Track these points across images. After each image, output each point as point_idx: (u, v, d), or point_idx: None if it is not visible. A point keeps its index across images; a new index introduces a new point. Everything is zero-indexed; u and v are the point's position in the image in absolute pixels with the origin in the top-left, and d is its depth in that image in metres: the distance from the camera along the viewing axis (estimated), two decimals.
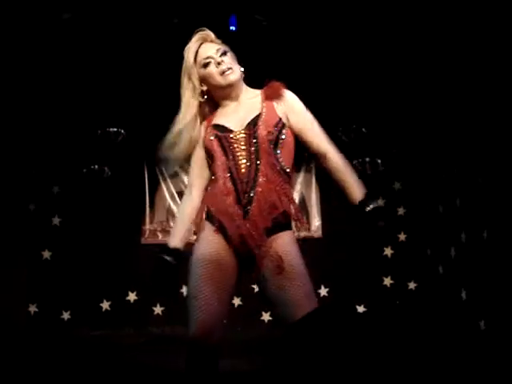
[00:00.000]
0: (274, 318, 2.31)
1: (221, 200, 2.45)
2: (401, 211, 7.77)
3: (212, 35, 2.63)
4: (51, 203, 7.51)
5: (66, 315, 7.34)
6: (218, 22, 2.69)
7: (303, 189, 7.58)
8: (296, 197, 7.43)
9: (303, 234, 7.72)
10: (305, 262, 2.49)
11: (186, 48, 2.61)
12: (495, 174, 5.37)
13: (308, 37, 5.65)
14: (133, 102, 6.61)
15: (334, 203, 2.52)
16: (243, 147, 2.47)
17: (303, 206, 7.54)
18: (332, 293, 7.47)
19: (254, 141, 2.47)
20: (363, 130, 7.09)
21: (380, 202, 2.60)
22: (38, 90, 6.30)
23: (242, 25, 5.28)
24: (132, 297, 7.47)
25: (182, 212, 2.64)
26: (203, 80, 2.58)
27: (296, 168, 2.61)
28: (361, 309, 7.51)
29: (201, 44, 2.59)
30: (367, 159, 7.41)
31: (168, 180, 7.72)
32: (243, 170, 2.45)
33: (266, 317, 7.27)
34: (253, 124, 2.48)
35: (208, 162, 2.57)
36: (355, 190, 2.61)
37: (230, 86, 2.56)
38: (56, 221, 7.53)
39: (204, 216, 2.53)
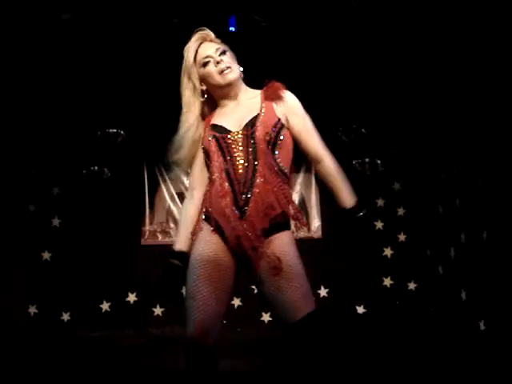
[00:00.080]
0: (274, 318, 2.31)
1: (218, 201, 2.45)
2: (400, 211, 7.78)
3: (212, 35, 2.63)
4: (51, 204, 7.51)
5: (65, 316, 7.34)
6: (217, 23, 2.68)
7: (303, 190, 7.58)
8: (296, 197, 7.43)
9: (303, 234, 7.77)
10: (303, 262, 2.49)
11: (185, 48, 2.61)
12: (495, 174, 5.37)
13: (307, 37, 5.65)
14: (132, 103, 6.61)
15: (334, 204, 2.52)
16: (241, 148, 2.47)
17: (303, 206, 7.54)
18: (332, 293, 7.48)
19: (252, 141, 2.46)
20: (363, 130, 7.09)
21: (365, 210, 2.63)
22: (38, 91, 6.30)
23: (242, 25, 5.28)
24: (132, 298, 7.47)
25: (185, 215, 2.63)
26: (202, 79, 2.58)
27: (296, 169, 2.62)
28: (361, 309, 7.51)
29: (200, 43, 2.60)
30: (367, 160, 7.41)
31: (168, 181, 7.73)
32: (240, 171, 2.45)
33: (266, 317, 7.27)
34: (251, 124, 2.48)
35: (206, 163, 2.56)
36: (347, 196, 2.64)
37: (229, 85, 2.55)
38: (56, 222, 7.53)
39: (202, 216, 2.53)
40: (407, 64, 5.88)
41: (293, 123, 2.55)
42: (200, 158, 2.59)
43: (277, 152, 2.50)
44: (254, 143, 2.46)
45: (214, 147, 2.49)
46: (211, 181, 2.51)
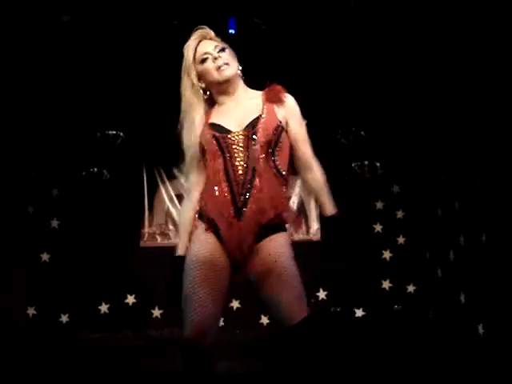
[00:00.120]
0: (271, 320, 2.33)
1: (215, 200, 2.44)
2: (399, 214, 7.78)
3: (211, 33, 2.63)
4: (50, 206, 7.51)
5: (64, 318, 7.34)
6: (217, 25, 2.69)
7: (302, 192, 7.58)
8: (295, 200, 7.44)
9: (302, 237, 7.76)
10: (297, 264, 2.50)
11: (185, 46, 2.61)
12: (494, 177, 5.37)
13: (307, 40, 5.66)
14: (132, 105, 6.61)
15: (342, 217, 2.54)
16: (241, 148, 2.46)
17: (302, 209, 7.55)
18: (331, 296, 7.48)
19: (253, 143, 2.45)
20: (362, 133, 7.09)
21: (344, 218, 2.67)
22: (38, 93, 6.30)
23: (241, 28, 5.29)
24: (131, 300, 7.47)
25: (184, 218, 2.61)
26: (201, 76, 2.57)
27: (293, 171, 2.63)
28: (359, 312, 7.51)
29: (200, 41, 2.59)
30: (366, 162, 7.41)
31: (167, 183, 7.73)
32: (240, 172, 2.44)
33: (264, 320, 7.27)
34: (252, 126, 2.47)
35: (204, 162, 2.55)
36: (330, 205, 2.62)
37: (226, 81, 2.54)
38: (55, 223, 7.53)
39: (197, 215, 2.52)
40: (406, 67, 5.89)
41: (291, 128, 2.56)
42: (197, 158, 2.55)
43: (276, 154, 2.50)
44: (254, 145, 2.45)
45: (214, 147, 2.47)
46: (208, 180, 2.50)
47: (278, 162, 2.50)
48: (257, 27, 5.48)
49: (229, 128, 2.48)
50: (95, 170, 7.38)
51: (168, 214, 7.70)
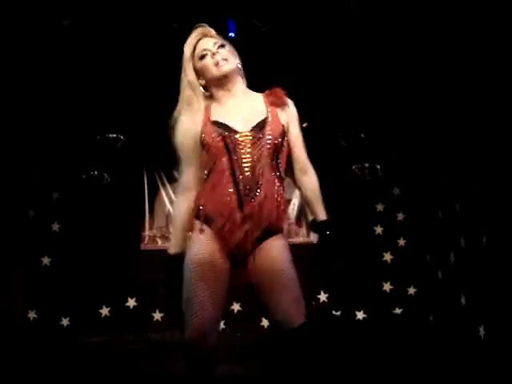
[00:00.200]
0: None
1: (220, 201, 2.41)
2: (400, 217, 7.78)
3: (212, 31, 2.63)
4: (51, 209, 7.51)
5: (65, 321, 7.34)
6: (216, 28, 2.69)
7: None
8: (296, 202, 7.43)
9: (302, 239, 7.76)
10: (298, 267, 2.51)
11: (186, 43, 2.60)
12: (494, 179, 5.38)
13: (307, 42, 5.66)
14: (132, 108, 6.61)
15: (334, 210, 2.53)
16: (249, 149, 2.43)
17: (303, 211, 7.55)
18: (332, 298, 7.48)
19: (261, 145, 2.45)
20: (362, 135, 7.10)
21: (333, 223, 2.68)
22: (38, 96, 6.31)
23: (241, 31, 5.29)
24: (131, 303, 7.47)
25: (180, 216, 2.57)
26: (201, 73, 2.56)
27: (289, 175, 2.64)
28: (360, 314, 7.51)
29: (200, 39, 2.59)
30: (366, 165, 7.41)
31: (167, 186, 7.73)
32: (247, 173, 2.42)
33: (265, 322, 7.26)
34: (259, 127, 2.47)
35: (203, 160, 2.51)
36: (322, 210, 2.63)
37: (225, 76, 2.52)
38: (55, 227, 7.53)
39: (195, 215, 2.49)
40: (407, 69, 5.89)
41: (291, 132, 2.58)
42: (197, 155, 2.51)
43: (279, 157, 2.51)
44: (262, 147, 2.45)
45: (220, 145, 2.44)
46: (211, 179, 2.46)
47: (280, 165, 2.51)
48: (256, 30, 5.49)
49: (235, 128, 2.46)
50: (96, 173, 7.38)
51: (169, 217, 7.69)
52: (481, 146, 5.64)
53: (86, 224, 7.46)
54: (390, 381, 4.28)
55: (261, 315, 7.25)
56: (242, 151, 2.44)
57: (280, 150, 2.51)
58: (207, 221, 2.44)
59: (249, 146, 2.44)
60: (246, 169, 2.43)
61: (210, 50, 2.54)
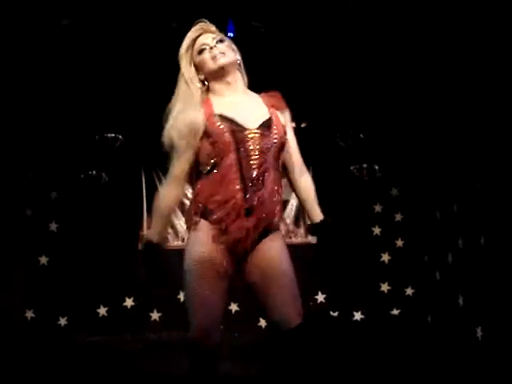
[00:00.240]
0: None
1: (227, 198, 2.40)
2: (398, 217, 7.78)
3: (213, 27, 2.64)
4: (48, 209, 7.49)
5: (62, 321, 7.33)
6: (215, 27, 2.71)
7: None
8: (294, 203, 7.43)
9: (300, 240, 7.76)
10: (295, 267, 2.52)
11: (185, 37, 2.61)
12: (492, 179, 5.38)
13: (306, 43, 5.67)
14: (131, 108, 6.61)
15: (332, 210, 2.54)
16: (257, 147, 2.44)
17: (301, 211, 7.54)
18: (329, 299, 7.48)
19: (267, 143, 2.46)
20: (361, 135, 7.10)
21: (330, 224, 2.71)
22: (36, 96, 6.30)
23: (240, 31, 5.29)
24: (129, 302, 7.46)
25: (166, 205, 2.57)
26: (200, 68, 2.57)
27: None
28: (358, 315, 7.51)
29: (200, 34, 2.60)
30: (365, 165, 7.41)
31: None
32: (254, 170, 2.43)
33: (263, 323, 7.25)
34: (266, 126, 2.48)
35: (204, 154, 2.48)
36: (318, 210, 2.67)
37: (222, 69, 2.53)
38: (53, 226, 7.51)
39: (195, 212, 2.48)
40: (405, 70, 5.90)
41: (288, 135, 2.61)
42: (194, 146, 2.48)
43: (280, 158, 2.55)
44: (270, 145, 2.46)
45: (228, 140, 2.43)
46: (214, 174, 2.45)
47: (280, 166, 2.54)
48: (255, 30, 5.49)
49: (243, 124, 2.46)
50: (94, 172, 7.37)
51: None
52: (479, 147, 5.64)
53: (84, 223, 7.44)
54: (388, 381, 4.29)
55: (258, 315, 7.25)
56: (250, 148, 2.44)
57: (282, 150, 2.53)
58: (210, 218, 2.43)
59: (257, 143, 2.45)
60: (254, 166, 2.43)
61: (208, 44, 2.56)
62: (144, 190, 7.71)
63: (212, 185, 2.44)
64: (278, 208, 2.49)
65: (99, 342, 6.72)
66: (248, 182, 2.41)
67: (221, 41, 2.58)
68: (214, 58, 2.52)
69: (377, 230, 7.74)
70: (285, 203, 6.92)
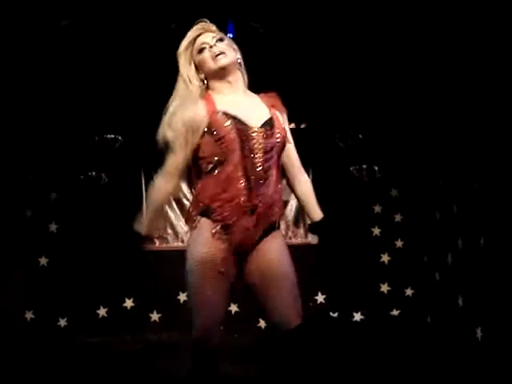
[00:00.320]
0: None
1: (231, 195, 2.40)
2: (398, 218, 7.78)
3: (213, 27, 2.64)
4: (48, 210, 7.49)
5: (62, 322, 7.33)
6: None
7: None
8: (293, 204, 7.43)
9: (300, 240, 7.75)
10: (296, 268, 2.52)
11: (185, 36, 2.62)
12: (492, 180, 5.38)
13: (305, 44, 5.67)
14: (130, 109, 6.61)
15: (331, 211, 2.54)
16: (261, 145, 2.44)
17: (300, 212, 7.54)
18: (329, 299, 7.48)
19: (271, 142, 2.47)
20: (360, 136, 7.10)
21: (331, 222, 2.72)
22: (36, 97, 6.30)
23: (239, 32, 5.29)
24: (129, 303, 7.46)
25: (161, 197, 2.58)
26: (200, 67, 2.56)
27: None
28: (358, 316, 7.51)
29: (200, 33, 2.59)
30: (364, 166, 7.41)
31: None
32: (259, 169, 2.43)
33: (262, 323, 7.25)
34: (269, 125, 2.49)
35: (207, 151, 2.46)
36: (318, 210, 2.67)
37: (222, 69, 2.52)
38: (53, 227, 7.51)
39: (198, 210, 2.46)
40: (404, 71, 5.90)
41: (287, 136, 2.62)
42: (194, 143, 2.47)
43: (281, 157, 2.55)
44: (273, 144, 2.47)
45: (233, 137, 2.42)
46: (219, 172, 2.43)
47: (280, 165, 2.54)
48: (255, 31, 5.50)
49: (247, 122, 2.45)
50: (93, 173, 7.36)
51: (166, 218, 7.69)
52: (478, 147, 5.65)
53: (84, 224, 7.44)
54: (388, 382, 4.29)
55: (258, 316, 7.25)
56: (255, 146, 2.44)
57: (283, 150, 2.54)
58: (213, 217, 2.42)
59: (260, 141, 2.45)
60: (258, 164, 2.43)
61: (208, 43, 2.55)
62: (144, 191, 7.69)
63: (215, 183, 2.42)
64: (279, 207, 2.50)
65: (99, 343, 6.72)
66: (252, 181, 2.41)
67: (221, 40, 2.57)
68: (214, 57, 2.52)
69: (376, 231, 7.74)
70: (284, 204, 6.92)
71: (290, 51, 5.76)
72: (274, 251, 2.47)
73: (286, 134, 2.55)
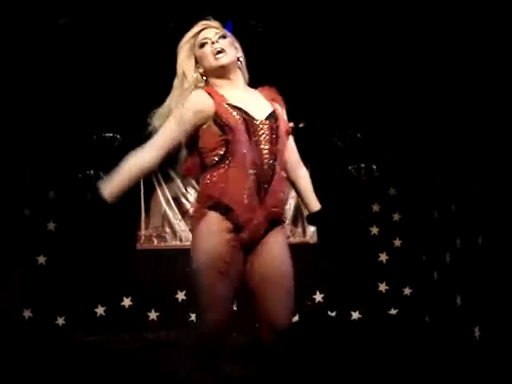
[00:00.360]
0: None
1: (239, 188, 2.38)
2: (396, 217, 7.79)
3: (217, 24, 2.65)
4: (46, 208, 7.49)
5: (60, 320, 7.33)
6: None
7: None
8: (292, 202, 7.44)
9: (298, 239, 7.75)
10: (294, 266, 2.52)
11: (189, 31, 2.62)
12: (490, 179, 5.39)
13: (303, 42, 5.67)
14: (128, 108, 6.60)
15: (329, 209, 2.55)
16: (267, 137, 2.45)
17: (299, 211, 7.55)
18: (327, 298, 7.48)
19: (276, 134, 2.48)
20: (358, 135, 7.11)
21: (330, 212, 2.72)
22: (34, 96, 6.30)
23: (238, 30, 5.28)
24: (127, 302, 7.46)
25: (136, 166, 2.59)
26: (200, 61, 2.57)
27: None
28: (356, 315, 7.51)
29: (204, 29, 2.60)
30: (362, 165, 7.42)
31: (163, 185, 7.72)
32: (266, 161, 2.43)
33: None
34: (273, 118, 2.49)
35: (212, 142, 2.45)
36: (316, 200, 2.68)
37: (222, 67, 2.53)
38: (51, 226, 7.51)
39: (206, 204, 2.43)
40: (403, 70, 5.90)
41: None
42: (191, 123, 2.45)
43: (285, 151, 2.56)
44: (278, 136, 2.48)
45: (242, 128, 2.41)
46: (224, 164, 2.42)
47: (284, 158, 2.55)
48: (253, 30, 5.49)
49: (252, 114, 2.46)
50: (92, 172, 7.36)
51: (165, 217, 7.69)
52: (476, 147, 5.65)
53: (82, 223, 7.43)
54: (386, 381, 4.29)
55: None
56: (262, 137, 2.44)
57: (287, 142, 2.56)
58: (220, 210, 2.39)
59: (267, 133, 2.45)
60: (266, 156, 2.43)
61: (210, 38, 2.56)
62: (142, 190, 7.71)
63: (223, 176, 2.41)
64: (284, 199, 2.51)
65: (97, 342, 6.71)
66: (259, 173, 2.41)
67: (223, 37, 2.58)
68: (214, 54, 2.52)
69: (375, 230, 7.75)
70: None
71: (289, 50, 5.76)
72: (276, 249, 2.47)
73: (288, 126, 2.56)
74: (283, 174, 2.53)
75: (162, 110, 2.53)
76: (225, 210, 2.38)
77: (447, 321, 6.48)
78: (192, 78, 2.54)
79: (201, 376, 2.42)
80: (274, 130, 2.47)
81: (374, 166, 7.45)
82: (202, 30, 2.59)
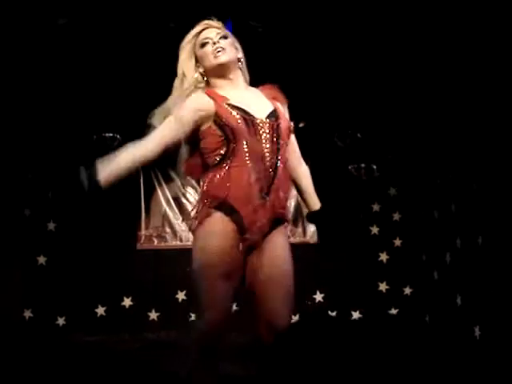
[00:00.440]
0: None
1: (241, 187, 2.39)
2: (396, 217, 7.79)
3: (219, 24, 2.65)
4: (47, 208, 7.49)
5: (61, 320, 7.32)
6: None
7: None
8: (292, 202, 7.44)
9: (299, 239, 7.75)
10: (294, 266, 2.52)
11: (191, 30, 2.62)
12: (490, 179, 5.39)
13: (303, 42, 5.67)
14: (129, 108, 6.60)
15: (329, 209, 2.56)
16: (268, 136, 2.45)
17: (299, 211, 7.54)
18: (327, 298, 7.48)
19: (277, 133, 2.47)
20: (358, 135, 7.11)
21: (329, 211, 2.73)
22: (34, 96, 6.30)
23: (238, 31, 5.28)
24: (127, 302, 7.46)
25: (133, 155, 2.60)
26: (200, 61, 2.57)
27: None
28: (356, 314, 7.51)
29: (206, 28, 2.61)
30: (362, 165, 7.42)
31: (164, 185, 7.72)
32: (267, 159, 2.43)
33: None
34: (274, 117, 2.49)
35: (212, 142, 2.46)
36: (316, 199, 2.68)
37: (221, 66, 2.53)
38: (51, 226, 7.51)
39: (209, 204, 2.43)
40: (403, 70, 5.90)
41: None
42: (192, 122, 2.46)
43: (286, 149, 2.55)
44: (279, 135, 2.48)
45: (242, 128, 2.42)
46: (225, 164, 2.42)
47: (286, 156, 2.54)
48: (253, 30, 5.49)
49: (252, 113, 2.46)
50: None
51: (165, 217, 7.69)
52: (476, 147, 5.65)
53: (82, 223, 7.44)
54: (386, 381, 4.29)
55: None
56: (263, 137, 2.44)
57: (288, 140, 2.56)
58: (223, 209, 2.39)
59: (267, 132, 2.45)
60: (267, 155, 2.43)
61: (211, 38, 2.56)
62: (142, 190, 7.71)
63: (226, 176, 2.41)
64: (287, 197, 2.50)
65: (97, 342, 6.71)
66: (261, 172, 2.41)
67: (225, 37, 2.59)
68: (214, 53, 2.53)
69: (375, 230, 7.75)
70: None
71: (289, 50, 5.76)
72: (279, 249, 2.47)
73: (289, 124, 2.56)
74: (286, 172, 2.52)
75: (162, 110, 2.54)
76: (229, 211, 2.38)
77: (447, 321, 6.48)
78: (192, 79, 2.55)
79: (200, 376, 2.42)
80: (274, 129, 2.47)
81: (374, 166, 7.45)
82: (203, 30, 2.60)
